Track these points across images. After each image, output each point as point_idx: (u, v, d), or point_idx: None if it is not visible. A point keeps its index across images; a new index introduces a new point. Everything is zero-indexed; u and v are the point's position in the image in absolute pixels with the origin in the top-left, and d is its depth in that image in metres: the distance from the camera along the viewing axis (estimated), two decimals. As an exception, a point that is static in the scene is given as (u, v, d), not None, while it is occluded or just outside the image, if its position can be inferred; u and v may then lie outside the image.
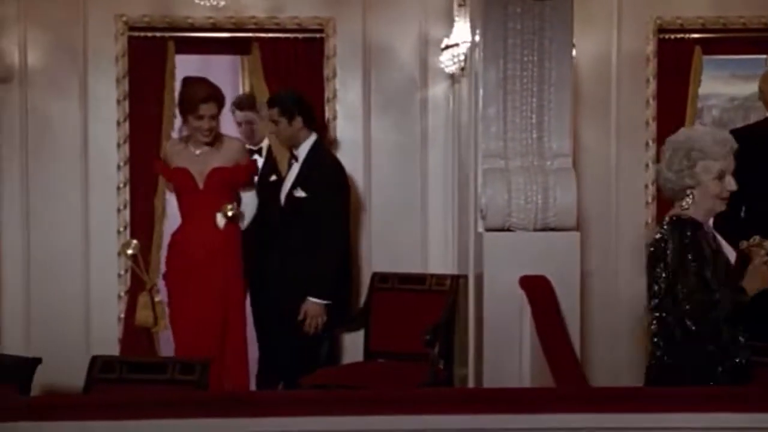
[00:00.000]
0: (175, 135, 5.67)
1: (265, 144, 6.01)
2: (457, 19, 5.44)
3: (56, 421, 3.06)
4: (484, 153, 4.74)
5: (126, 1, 5.85)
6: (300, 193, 5.36)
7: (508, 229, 4.68)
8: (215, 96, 5.32)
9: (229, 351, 5.25)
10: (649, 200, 5.99)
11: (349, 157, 5.80)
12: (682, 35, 5.96)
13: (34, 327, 5.90)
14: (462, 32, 5.35)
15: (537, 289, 4.45)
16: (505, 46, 4.68)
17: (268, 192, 5.63)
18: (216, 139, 5.38)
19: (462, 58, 5.37)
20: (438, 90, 5.99)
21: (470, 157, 5.04)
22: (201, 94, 5.27)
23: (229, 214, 5.29)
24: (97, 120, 5.91)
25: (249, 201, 5.49)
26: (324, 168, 5.43)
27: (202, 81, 5.45)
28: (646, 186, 5.97)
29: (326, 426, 3.07)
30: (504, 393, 3.60)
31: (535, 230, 4.67)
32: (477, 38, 4.93)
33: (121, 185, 5.90)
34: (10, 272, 5.94)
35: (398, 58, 6.00)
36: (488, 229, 4.71)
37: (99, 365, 3.91)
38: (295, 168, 5.44)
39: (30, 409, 3.14)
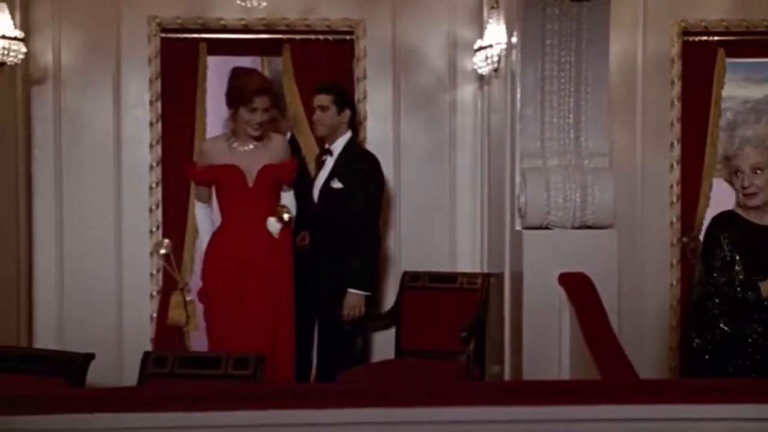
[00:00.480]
0: (215, 132, 5.54)
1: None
2: (490, 21, 5.49)
3: (111, 413, 3.10)
4: (522, 153, 4.82)
5: (159, 2, 5.89)
6: (337, 184, 5.30)
7: (547, 227, 4.76)
8: (269, 88, 5.07)
9: (279, 352, 4.94)
10: (674, 200, 6.05)
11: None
12: (705, 38, 6.02)
13: (67, 326, 5.94)
14: (496, 34, 5.41)
15: (577, 285, 4.52)
16: (543, 47, 4.76)
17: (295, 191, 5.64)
18: (264, 134, 5.08)
19: (495, 59, 5.43)
20: (466, 91, 6.07)
21: (506, 157, 5.10)
22: (255, 86, 4.97)
23: (285, 218, 5.03)
24: (130, 120, 5.97)
25: (289, 201, 5.21)
26: (361, 160, 5.44)
27: (254, 72, 5.28)
28: (671, 186, 6.03)
29: (386, 417, 3.12)
30: (556, 385, 3.67)
31: (574, 228, 4.75)
32: (514, 40, 4.99)
33: (154, 185, 5.94)
34: (43, 272, 5.98)
35: (427, 60, 6.07)
36: (527, 228, 4.79)
37: (152, 360, 3.93)
38: (330, 161, 5.41)
39: (88, 401, 3.17)
